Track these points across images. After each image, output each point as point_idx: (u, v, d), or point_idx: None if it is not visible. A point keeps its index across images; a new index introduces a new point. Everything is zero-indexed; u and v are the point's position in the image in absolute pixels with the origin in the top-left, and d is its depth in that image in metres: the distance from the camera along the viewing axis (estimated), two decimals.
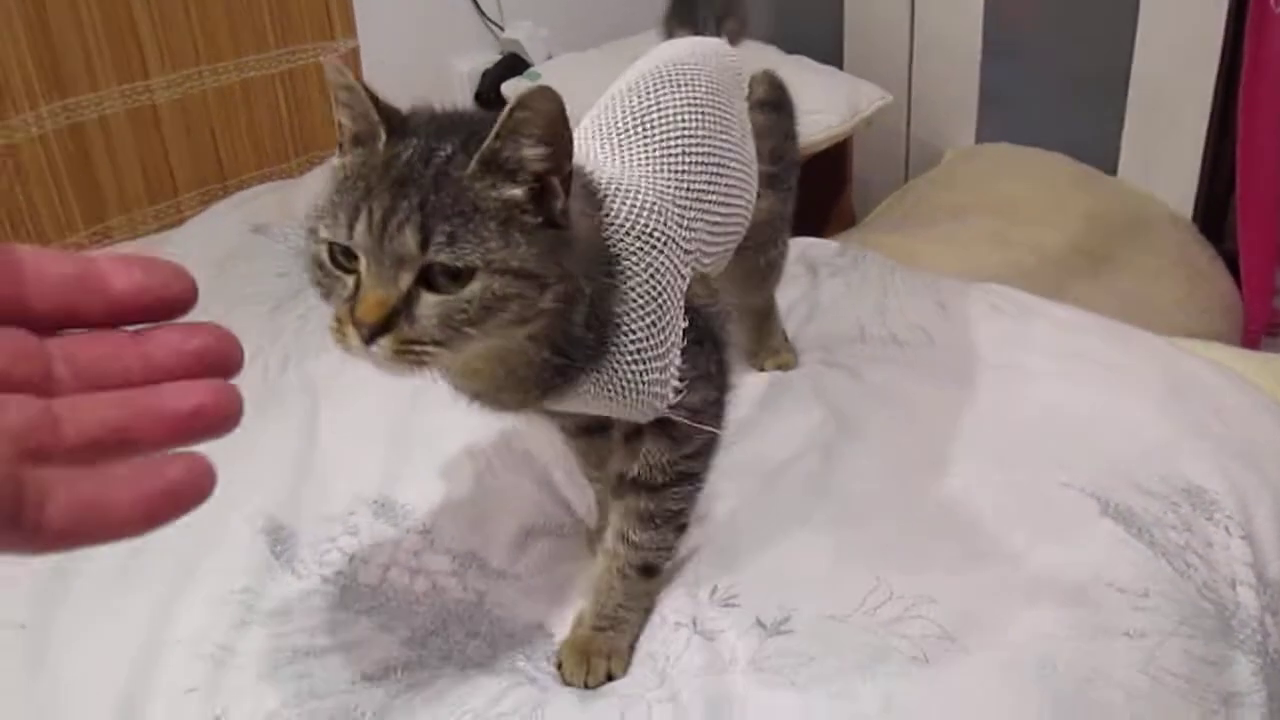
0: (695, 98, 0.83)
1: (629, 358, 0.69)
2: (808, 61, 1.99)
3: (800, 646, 0.76)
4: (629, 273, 0.69)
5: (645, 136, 0.79)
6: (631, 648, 0.79)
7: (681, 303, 0.73)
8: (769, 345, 1.10)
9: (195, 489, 0.31)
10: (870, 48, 2.15)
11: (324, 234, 0.60)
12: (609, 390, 0.70)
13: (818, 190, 2.03)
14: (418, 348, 0.59)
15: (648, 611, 0.81)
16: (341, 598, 0.85)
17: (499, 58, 1.99)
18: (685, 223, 0.76)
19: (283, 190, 1.62)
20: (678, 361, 0.72)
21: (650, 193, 0.73)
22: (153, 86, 1.53)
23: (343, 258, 0.60)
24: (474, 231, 0.59)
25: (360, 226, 0.58)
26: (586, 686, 0.77)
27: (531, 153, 0.61)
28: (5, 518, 0.30)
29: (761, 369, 1.10)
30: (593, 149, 0.79)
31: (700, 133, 0.81)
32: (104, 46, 1.46)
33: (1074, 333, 1.11)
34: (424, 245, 0.58)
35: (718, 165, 0.81)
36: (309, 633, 0.82)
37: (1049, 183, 1.87)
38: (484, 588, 0.87)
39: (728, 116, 0.86)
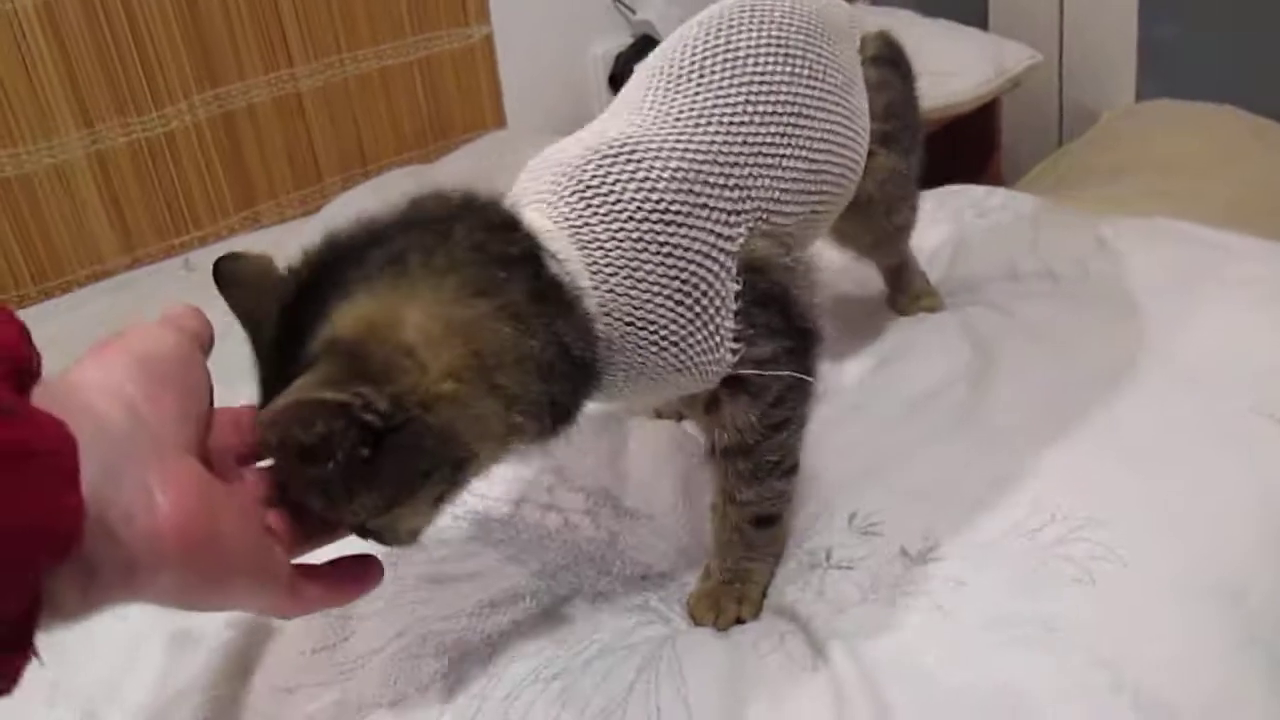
0: (775, 39, 0.75)
1: (654, 348, 0.64)
2: (950, 24, 1.92)
3: (949, 571, 0.70)
4: (640, 257, 0.62)
5: (700, 83, 0.71)
6: (764, 594, 0.75)
7: (727, 265, 0.65)
8: (910, 291, 1.04)
9: None
10: (1017, 6, 2.05)
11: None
12: (649, 378, 0.65)
13: (964, 157, 1.95)
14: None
15: (777, 557, 0.76)
16: (471, 530, 0.84)
17: (632, 40, 1.99)
18: (735, 181, 0.68)
19: (418, 174, 1.65)
20: (729, 323, 0.66)
21: (674, 156, 0.66)
22: (297, 75, 1.58)
23: None
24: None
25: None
26: (717, 628, 0.73)
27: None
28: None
29: (904, 314, 1.04)
30: (633, 99, 0.72)
31: (776, 78, 0.73)
32: (250, 38, 1.52)
33: (1250, 260, 1.01)
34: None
35: (796, 114, 0.73)
36: (437, 562, 0.81)
37: (1217, 137, 1.74)
38: (617, 527, 0.84)
39: (821, 62, 0.77)
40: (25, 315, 1.42)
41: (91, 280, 1.43)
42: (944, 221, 1.21)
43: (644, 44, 1.98)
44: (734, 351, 0.66)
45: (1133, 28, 1.93)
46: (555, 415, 0.60)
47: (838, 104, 0.78)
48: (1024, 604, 0.67)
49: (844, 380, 0.95)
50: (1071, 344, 0.93)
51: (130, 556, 0.40)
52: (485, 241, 0.57)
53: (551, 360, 0.58)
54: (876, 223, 0.90)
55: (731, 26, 0.75)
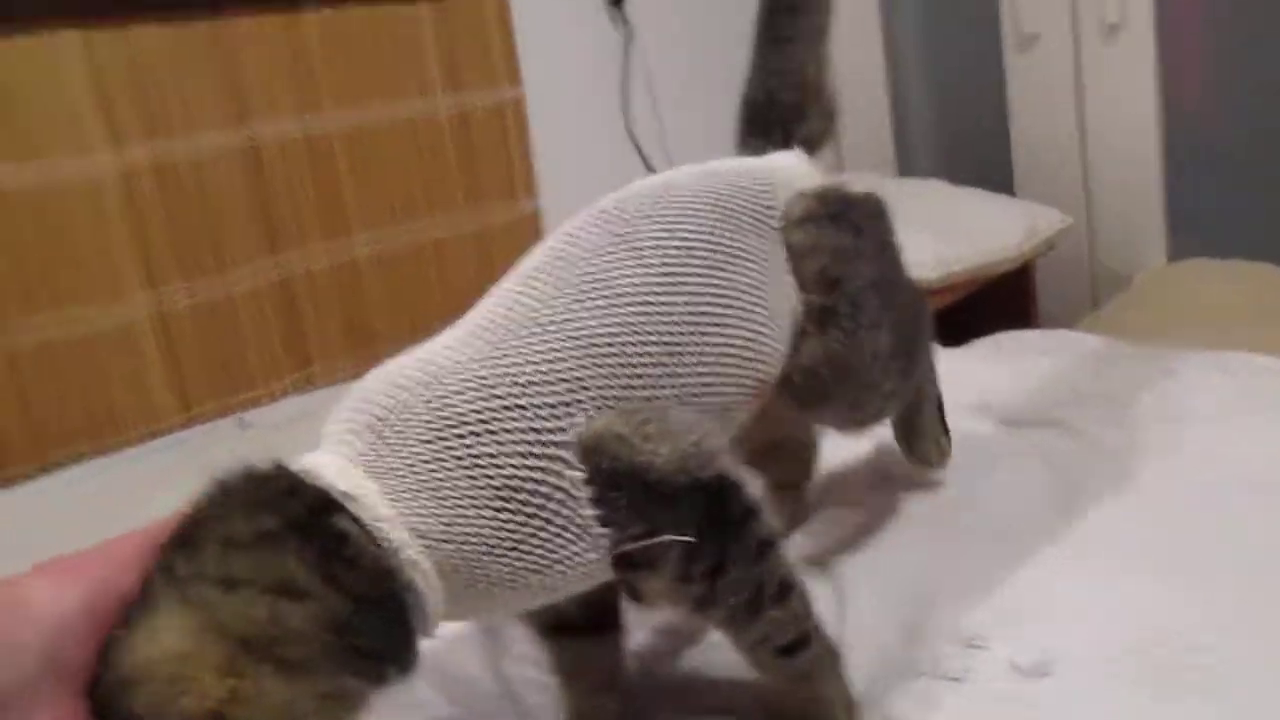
0: (619, 234, 0.69)
1: (487, 558, 0.59)
2: (981, 191, 1.98)
3: (1067, 687, 0.67)
4: (440, 480, 0.59)
5: (540, 281, 0.68)
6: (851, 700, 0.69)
7: (559, 456, 0.61)
8: (929, 435, 0.94)
9: None
10: (1042, 173, 2.12)
11: None
12: (504, 589, 0.60)
13: (1002, 323, 1.97)
14: None
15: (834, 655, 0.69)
16: None
17: None
18: (561, 374, 0.62)
19: None
20: (585, 512, 0.61)
21: (474, 366, 0.63)
22: (355, 244, 1.63)
23: None
24: None
25: None
26: None
27: None
28: None
29: (926, 461, 0.94)
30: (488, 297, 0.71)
31: (616, 270, 0.67)
32: (312, 208, 1.58)
33: None
34: None
35: (641, 303, 0.67)
36: None
37: (1262, 290, 1.76)
38: None
39: (687, 245, 0.70)
40: (81, 471, 1.41)
41: (148, 438, 1.44)
42: (1002, 362, 1.21)
43: None
44: (604, 538, 0.61)
45: (1159, 190, 1.98)
46: (385, 658, 0.57)
47: (708, 285, 0.69)
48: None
49: (924, 502, 0.93)
50: (1150, 465, 0.91)
51: None
52: (236, 531, 0.55)
53: (344, 616, 0.55)
54: (828, 412, 0.80)
55: (584, 225, 0.71)
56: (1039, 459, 0.96)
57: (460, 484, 0.59)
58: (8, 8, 1.30)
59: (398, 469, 0.59)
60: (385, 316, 1.68)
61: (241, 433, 1.45)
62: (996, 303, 1.84)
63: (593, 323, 0.65)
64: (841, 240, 0.77)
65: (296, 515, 0.56)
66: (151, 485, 1.29)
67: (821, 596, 0.76)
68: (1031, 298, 2.01)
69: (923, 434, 0.93)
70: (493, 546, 0.59)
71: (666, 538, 0.61)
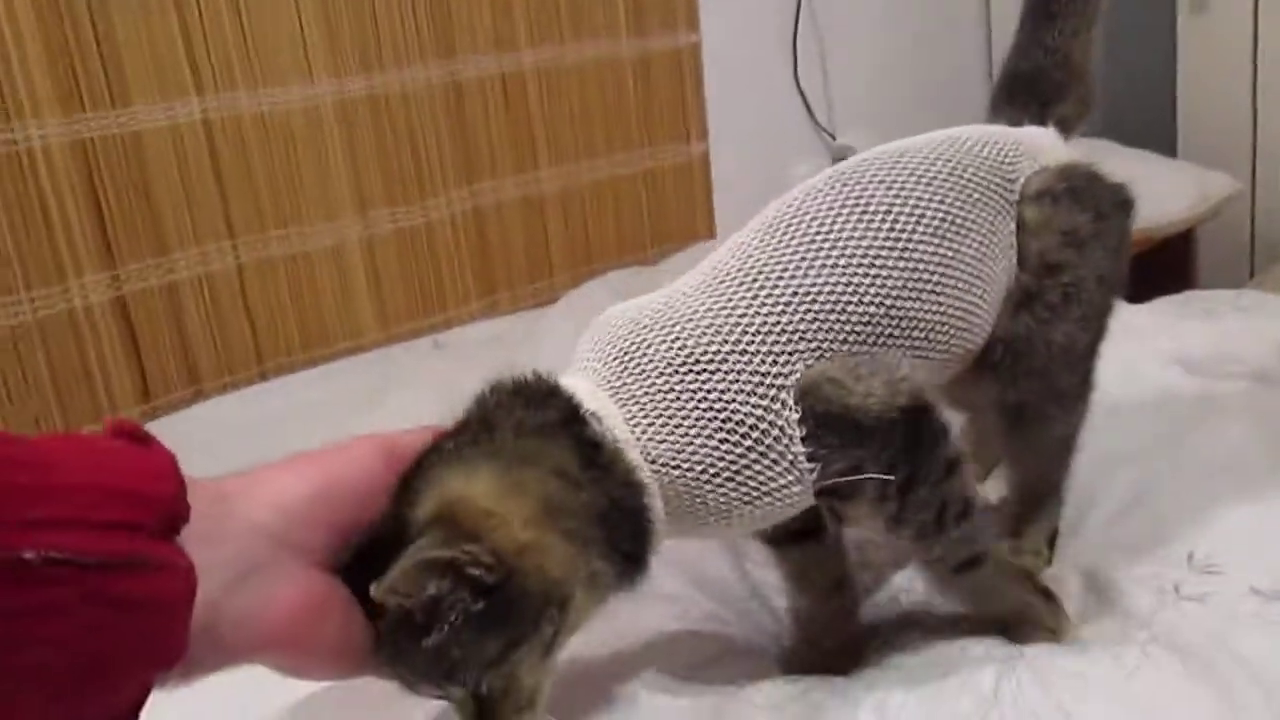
0: (853, 198, 0.71)
1: (707, 486, 0.66)
2: (1148, 154, 1.97)
3: None
4: (668, 411, 0.65)
5: (773, 239, 0.71)
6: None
7: (779, 398, 0.66)
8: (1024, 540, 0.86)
9: None
10: (1208, 137, 2.11)
11: None
12: (717, 515, 0.67)
13: (1163, 287, 1.97)
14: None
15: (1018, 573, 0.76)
16: None
17: (830, 163, 2.10)
18: (784, 325, 0.67)
19: (642, 274, 1.75)
20: (796, 448, 0.66)
21: (707, 315, 0.68)
22: (541, 178, 1.71)
23: None
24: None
25: None
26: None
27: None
28: None
29: None
30: (728, 246, 0.74)
31: (844, 232, 0.70)
32: (505, 142, 1.66)
33: None
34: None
35: (866, 263, 0.69)
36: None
37: None
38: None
39: (916, 213, 0.71)
40: (291, 381, 1.52)
41: (351, 353, 1.54)
42: (1193, 317, 1.24)
43: None
44: (810, 472, 0.66)
45: None
46: (628, 560, 0.64)
47: (932, 253, 0.71)
48: None
49: (1133, 440, 0.97)
50: None
51: (232, 652, 0.52)
52: (523, 418, 0.63)
53: (604, 510, 0.63)
54: (996, 398, 0.78)
55: (821, 185, 0.74)
56: (1244, 408, 0.99)
57: (690, 416, 0.65)
58: None
59: (638, 397, 0.66)
60: (564, 250, 1.76)
61: (436, 352, 1.55)
62: (1159, 265, 1.84)
63: (819, 280, 0.68)
64: (1075, 221, 0.75)
65: (564, 418, 0.64)
66: (354, 396, 1.40)
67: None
68: (1192, 261, 2.01)
69: (1036, 523, 0.86)
70: (714, 475, 0.65)
71: (870, 476, 0.66)
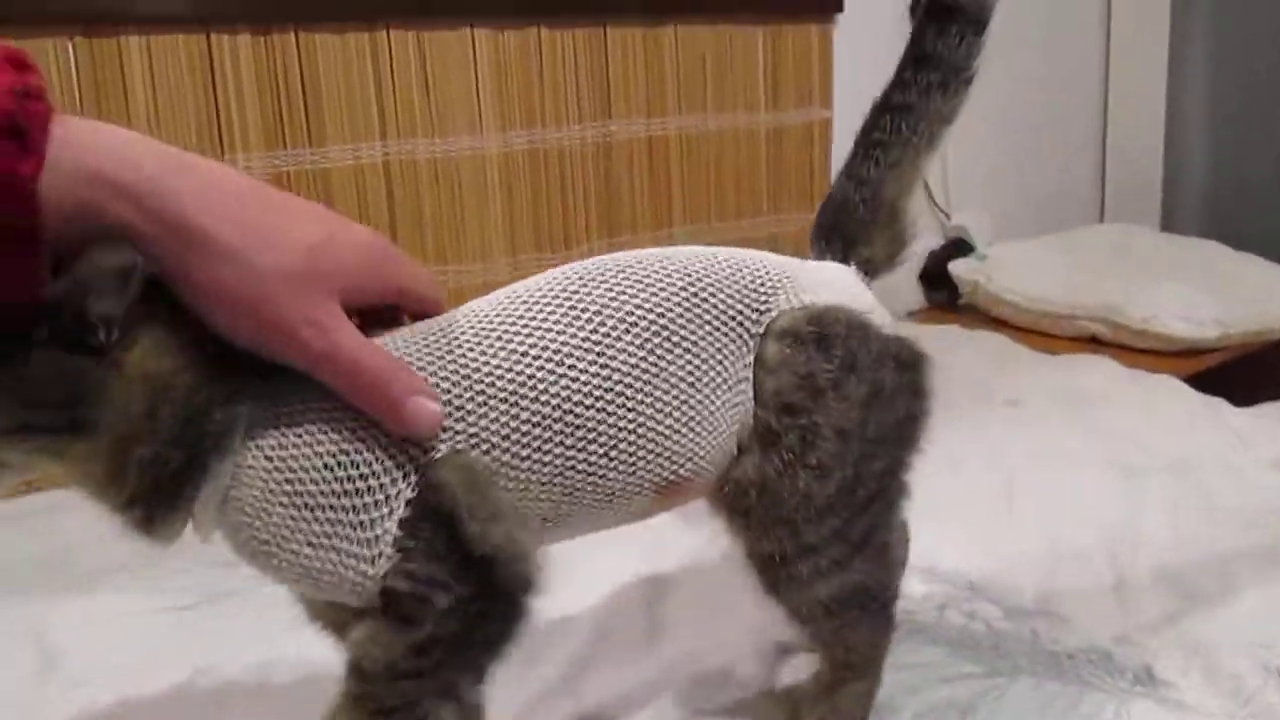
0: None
1: (284, 494, 0.59)
2: (1259, 259, 2.02)
3: None
4: (298, 407, 0.60)
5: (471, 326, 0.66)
6: None
7: (404, 466, 0.61)
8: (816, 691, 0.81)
9: None
10: None
11: None
12: (278, 532, 0.60)
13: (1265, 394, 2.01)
14: None
15: None
16: (909, 628, 0.96)
17: (944, 242, 2.18)
18: (451, 399, 0.63)
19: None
20: (391, 526, 0.60)
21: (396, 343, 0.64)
22: (675, 236, 1.82)
23: None
24: None
25: None
26: None
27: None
28: None
29: None
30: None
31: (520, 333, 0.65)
32: (647, 201, 1.79)
33: None
34: None
35: (560, 370, 0.64)
36: None
37: None
38: (1035, 624, 0.95)
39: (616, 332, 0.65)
40: None
41: None
42: None
43: (955, 247, 2.16)
44: (388, 560, 0.60)
45: None
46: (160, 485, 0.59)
47: (634, 366, 0.65)
48: None
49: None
50: None
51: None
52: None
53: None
54: (749, 548, 0.72)
55: (549, 276, 0.69)
56: None
57: (314, 425, 0.61)
58: (428, 7, 1.53)
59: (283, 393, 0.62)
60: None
61: None
62: (1267, 368, 1.89)
63: (501, 364, 0.63)
64: (814, 366, 0.69)
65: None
66: None
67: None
68: None
69: (839, 715, 0.79)
70: (297, 495, 0.59)
71: (439, 596, 0.60)
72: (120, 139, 0.54)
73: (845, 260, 0.77)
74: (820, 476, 0.69)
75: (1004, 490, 1.23)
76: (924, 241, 2.18)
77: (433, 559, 0.61)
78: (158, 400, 0.57)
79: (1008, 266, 2.05)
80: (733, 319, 0.69)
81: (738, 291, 0.70)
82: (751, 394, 0.69)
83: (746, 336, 0.69)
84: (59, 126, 0.50)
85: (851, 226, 0.78)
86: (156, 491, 0.58)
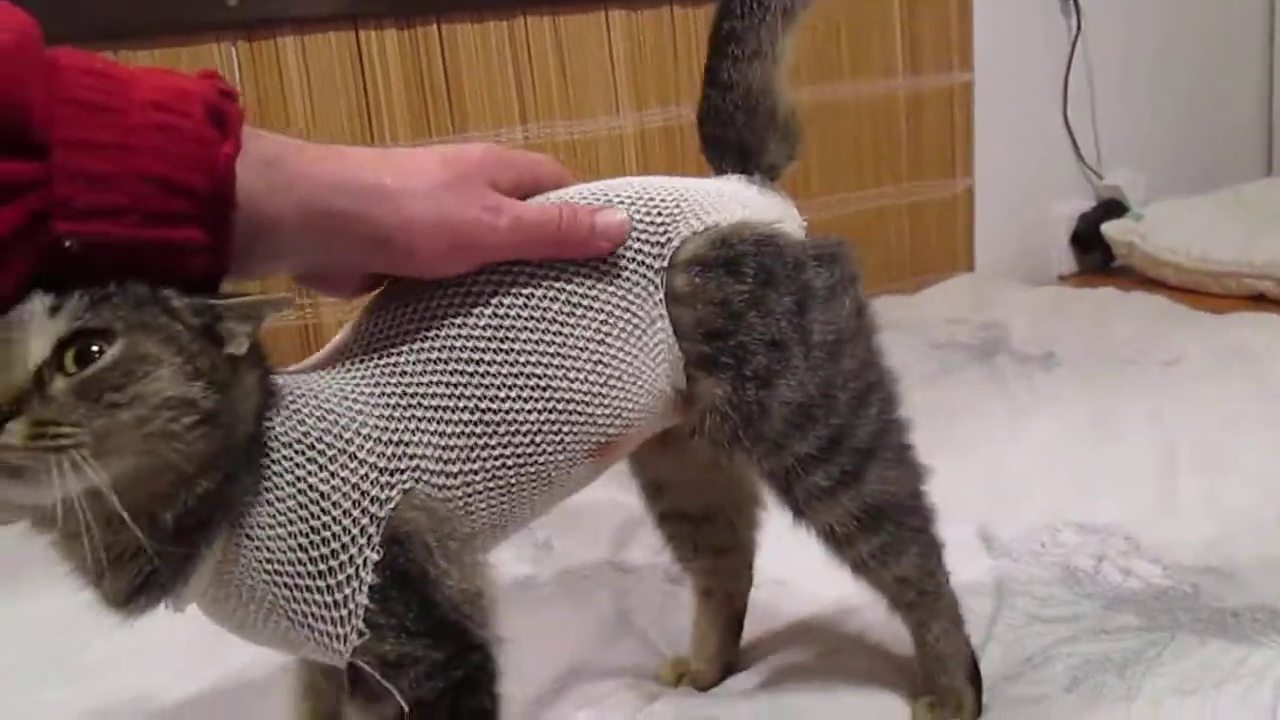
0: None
1: (265, 574, 0.57)
2: None
3: None
4: (273, 484, 0.58)
5: (413, 324, 0.64)
6: None
7: (367, 529, 0.58)
8: (943, 675, 0.79)
9: None
10: None
11: None
12: (239, 601, 0.58)
13: None
14: (54, 430, 0.49)
15: None
16: (1065, 581, 0.94)
17: (1096, 203, 2.10)
18: (392, 436, 0.60)
19: (897, 302, 1.83)
20: (360, 599, 0.58)
21: (335, 399, 0.61)
22: (812, 206, 1.81)
23: None
24: (119, 301, 0.52)
25: None
26: None
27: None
28: None
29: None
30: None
31: (453, 327, 0.63)
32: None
33: None
34: (54, 311, 0.50)
35: (469, 361, 0.62)
36: (1039, 602, 0.92)
37: None
38: (1198, 580, 0.92)
39: (522, 296, 0.64)
40: None
41: None
42: None
43: (1108, 208, 2.08)
44: (360, 634, 0.58)
45: None
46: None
47: (537, 343, 0.63)
48: None
49: None
50: None
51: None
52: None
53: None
54: (756, 469, 0.71)
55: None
56: None
57: (286, 504, 0.58)
58: None
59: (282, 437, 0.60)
60: None
61: None
62: None
63: (423, 382, 0.62)
64: (729, 293, 0.66)
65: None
66: None
67: None
68: None
69: (941, 663, 0.79)
70: (276, 573, 0.58)
71: (415, 660, 0.59)
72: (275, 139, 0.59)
73: (746, 171, 0.73)
74: (767, 387, 0.67)
75: (1165, 449, 1.19)
76: (1074, 203, 2.11)
77: (403, 633, 0.59)
78: (234, 438, 0.56)
79: (1166, 226, 1.96)
80: (631, 260, 0.66)
81: (633, 231, 0.66)
82: (670, 329, 0.67)
83: (650, 274, 0.67)
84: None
85: (738, 137, 0.73)
86: (180, 540, 0.55)
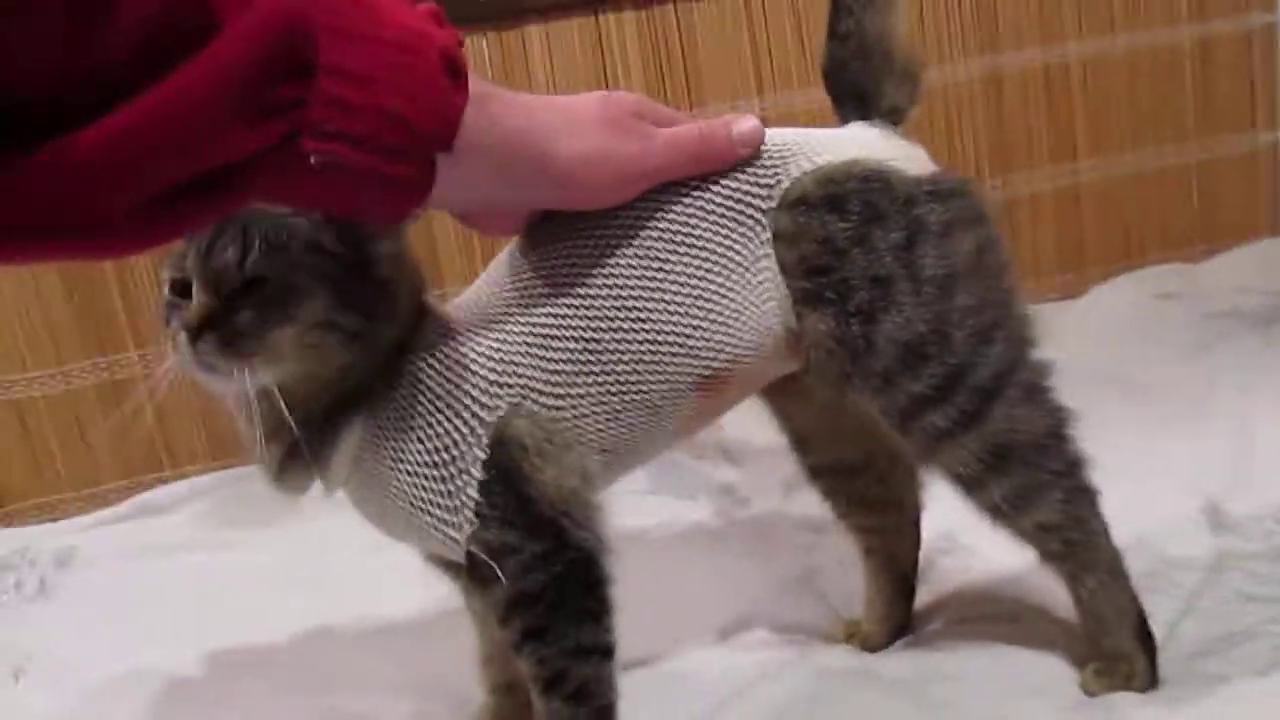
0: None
1: (391, 464, 0.68)
2: None
3: None
4: (405, 388, 0.68)
5: (530, 261, 0.71)
6: None
7: (476, 431, 0.67)
8: (1110, 638, 0.76)
9: None
10: None
11: (164, 275, 0.66)
12: (376, 488, 0.69)
13: None
14: (236, 341, 0.63)
15: None
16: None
17: None
18: (501, 356, 0.68)
19: (1183, 271, 1.67)
20: (472, 492, 0.67)
21: (463, 323, 0.70)
22: (1079, 169, 1.70)
23: (181, 292, 0.65)
24: (287, 247, 0.64)
25: (191, 258, 0.64)
26: None
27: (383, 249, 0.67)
28: None
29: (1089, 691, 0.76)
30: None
31: (558, 258, 0.70)
32: (1044, 134, 1.68)
33: None
34: (241, 261, 0.63)
35: (570, 292, 0.69)
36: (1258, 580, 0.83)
37: None
38: None
39: (628, 230, 0.69)
40: None
41: None
42: None
43: None
44: (470, 524, 0.67)
45: None
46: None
47: (641, 276, 0.69)
48: None
49: None
50: None
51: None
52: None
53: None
54: (870, 408, 0.72)
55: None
56: None
57: (415, 404, 0.68)
58: None
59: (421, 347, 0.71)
60: (1098, 241, 1.74)
61: None
62: None
63: (533, 311, 0.69)
64: (832, 230, 0.68)
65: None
66: None
67: None
68: None
69: (1102, 623, 0.75)
70: (399, 463, 0.68)
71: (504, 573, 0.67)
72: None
73: (866, 117, 0.74)
74: (871, 322, 0.68)
75: None
76: None
77: (505, 524, 0.67)
78: (377, 351, 0.67)
79: None
80: (737, 202, 0.70)
81: (741, 173, 0.70)
82: (777, 270, 0.69)
83: (758, 214, 0.69)
84: None
85: (857, 84, 0.75)
86: (325, 428, 0.67)
